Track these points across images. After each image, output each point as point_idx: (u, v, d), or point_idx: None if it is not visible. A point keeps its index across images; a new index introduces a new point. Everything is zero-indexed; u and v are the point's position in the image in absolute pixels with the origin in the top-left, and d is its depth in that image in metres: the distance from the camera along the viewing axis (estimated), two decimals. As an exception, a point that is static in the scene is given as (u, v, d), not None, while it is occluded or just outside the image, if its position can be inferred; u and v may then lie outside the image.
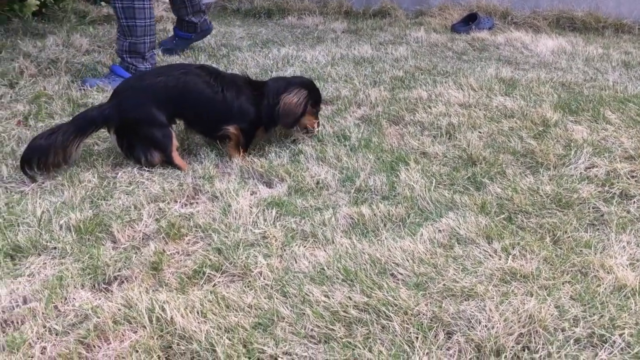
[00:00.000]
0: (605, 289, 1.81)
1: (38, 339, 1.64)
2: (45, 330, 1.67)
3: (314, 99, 2.89)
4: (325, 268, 1.93)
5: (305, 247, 2.06)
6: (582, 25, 5.81)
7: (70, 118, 3.06)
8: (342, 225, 2.20)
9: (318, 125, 2.99)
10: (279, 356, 1.57)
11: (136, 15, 3.62)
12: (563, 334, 1.63)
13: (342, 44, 4.98)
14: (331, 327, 1.67)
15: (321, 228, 2.16)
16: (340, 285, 1.85)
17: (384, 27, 5.73)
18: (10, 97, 3.44)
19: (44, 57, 4.09)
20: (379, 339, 1.63)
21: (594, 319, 1.68)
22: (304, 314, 1.72)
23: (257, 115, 2.75)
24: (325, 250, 2.04)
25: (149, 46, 3.77)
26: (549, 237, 2.11)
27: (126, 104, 2.58)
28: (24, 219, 2.20)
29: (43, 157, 2.47)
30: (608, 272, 1.89)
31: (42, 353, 1.59)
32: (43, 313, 1.72)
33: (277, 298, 1.79)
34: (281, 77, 3.13)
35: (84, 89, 3.56)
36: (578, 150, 2.70)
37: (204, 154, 2.77)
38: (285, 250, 2.05)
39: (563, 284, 1.84)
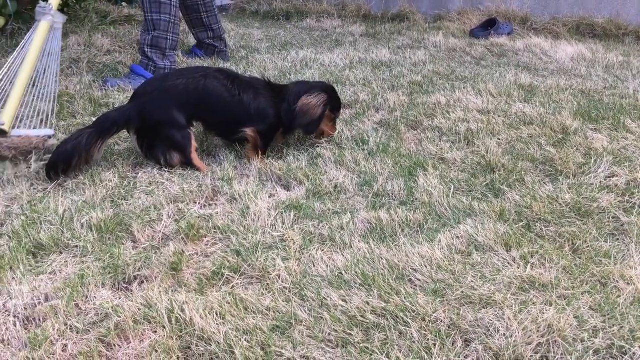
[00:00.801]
0: (625, 299, 1.80)
1: (60, 336, 1.66)
2: (67, 328, 1.69)
3: (334, 104, 2.90)
4: (343, 272, 1.94)
5: (323, 250, 2.07)
6: (602, 32, 5.76)
7: (92, 118, 3.11)
8: (360, 230, 2.21)
9: (335, 130, 2.99)
10: (297, 359, 1.58)
11: (161, 10, 3.72)
12: (582, 344, 1.62)
13: (360, 48, 4.98)
14: (349, 331, 1.67)
15: (339, 232, 2.17)
16: (358, 290, 1.85)
17: (402, 31, 5.73)
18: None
19: (66, 56, 4.14)
20: (397, 345, 1.63)
21: (613, 330, 1.67)
22: (322, 317, 1.73)
23: (275, 118, 2.76)
24: (343, 255, 2.04)
25: (171, 44, 3.83)
26: (568, 246, 2.10)
27: (148, 106, 2.61)
28: (46, 217, 2.24)
29: (67, 162, 2.52)
30: (628, 283, 1.88)
31: (63, 351, 1.62)
32: (64, 311, 1.75)
33: (295, 301, 1.80)
34: (303, 81, 3.15)
35: (105, 89, 3.60)
36: (598, 159, 2.68)
37: (223, 156, 2.79)
38: (303, 253, 2.06)
39: (582, 294, 1.83)
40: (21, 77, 2.81)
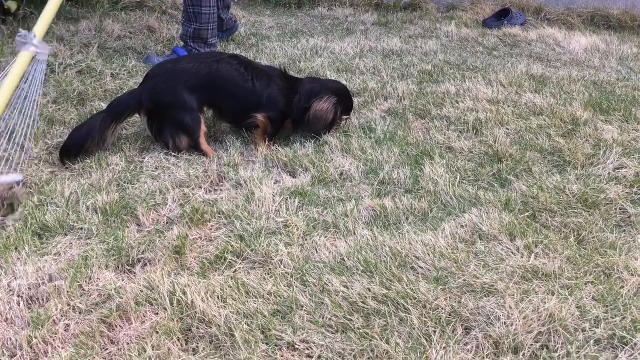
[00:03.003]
0: (629, 290, 1.79)
1: (62, 316, 1.68)
2: (70, 309, 1.71)
3: (345, 106, 2.92)
4: (346, 259, 1.94)
5: (326, 237, 2.07)
6: (617, 23, 5.68)
7: (100, 100, 3.13)
8: (364, 217, 2.20)
9: (342, 120, 2.99)
10: (296, 344, 1.59)
11: (202, 3, 3.82)
12: (583, 334, 1.62)
13: (371, 37, 4.95)
14: (349, 317, 1.67)
15: (343, 219, 2.17)
16: (360, 276, 1.85)
17: (414, 21, 5.68)
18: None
19: (77, 41, 4.15)
20: (397, 332, 1.63)
21: (615, 321, 1.66)
22: (323, 303, 1.73)
23: (286, 106, 2.77)
24: (346, 241, 2.04)
25: (211, 33, 3.95)
26: (574, 236, 2.08)
27: (159, 88, 2.63)
28: (52, 199, 2.25)
29: (81, 145, 2.55)
30: (632, 274, 1.86)
31: (65, 330, 1.63)
32: (68, 291, 1.76)
33: (296, 286, 1.81)
34: (317, 79, 3.19)
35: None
36: (607, 151, 2.66)
37: (229, 142, 2.79)
38: (306, 239, 2.06)
39: (586, 284, 1.82)
40: None
